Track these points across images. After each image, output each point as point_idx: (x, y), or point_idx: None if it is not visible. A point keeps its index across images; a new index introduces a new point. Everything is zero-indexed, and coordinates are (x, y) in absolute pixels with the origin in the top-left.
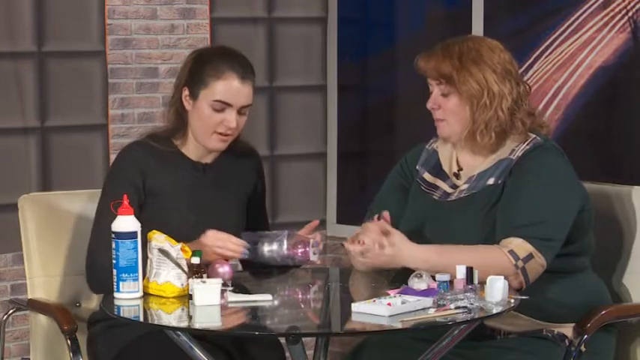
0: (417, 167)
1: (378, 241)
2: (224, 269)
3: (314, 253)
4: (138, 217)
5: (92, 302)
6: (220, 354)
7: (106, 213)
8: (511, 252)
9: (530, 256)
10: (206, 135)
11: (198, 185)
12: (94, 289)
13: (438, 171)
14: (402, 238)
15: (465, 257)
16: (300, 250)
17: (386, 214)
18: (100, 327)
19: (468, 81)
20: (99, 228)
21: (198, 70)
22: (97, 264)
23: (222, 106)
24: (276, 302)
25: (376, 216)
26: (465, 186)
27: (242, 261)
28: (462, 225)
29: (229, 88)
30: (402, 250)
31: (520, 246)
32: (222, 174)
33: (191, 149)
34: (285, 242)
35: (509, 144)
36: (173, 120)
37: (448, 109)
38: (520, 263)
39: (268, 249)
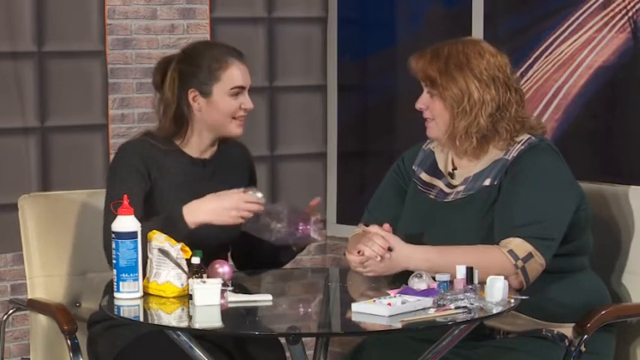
0: (414, 167)
1: (380, 253)
2: (224, 269)
3: (314, 231)
4: (143, 206)
5: (92, 302)
6: (220, 354)
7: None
8: (510, 252)
9: (529, 256)
10: (227, 123)
11: (198, 179)
12: None
13: (434, 170)
14: (398, 241)
15: (465, 257)
16: (300, 227)
17: (387, 226)
18: (101, 327)
19: (449, 86)
20: (110, 218)
21: (196, 69)
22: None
23: (239, 90)
24: (276, 302)
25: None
26: (462, 187)
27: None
28: (460, 226)
29: (238, 72)
30: (400, 252)
31: (519, 246)
32: (221, 168)
33: (192, 147)
34: (285, 219)
35: (492, 150)
36: (172, 125)
37: (434, 111)
38: (520, 263)
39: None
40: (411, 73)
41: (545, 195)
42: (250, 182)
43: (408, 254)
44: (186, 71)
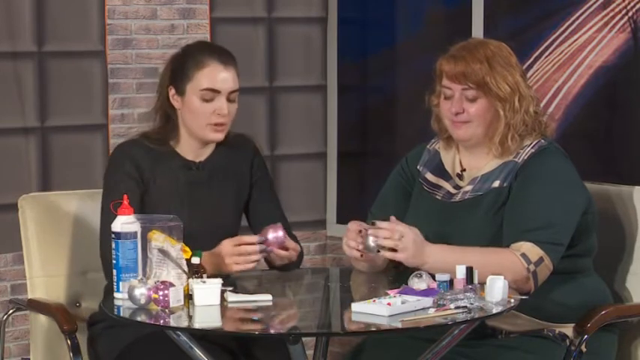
0: (419, 168)
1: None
2: (277, 234)
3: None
4: (141, 209)
5: (92, 302)
6: (222, 354)
7: (109, 211)
8: (523, 255)
9: (540, 260)
10: (201, 127)
11: (193, 183)
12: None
13: (440, 171)
14: (421, 237)
15: (481, 259)
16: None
17: (392, 218)
18: (101, 327)
19: (500, 84)
20: (106, 227)
21: (179, 67)
22: (109, 261)
23: (211, 94)
24: (276, 302)
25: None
26: (469, 187)
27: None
28: (468, 226)
29: (213, 74)
30: (424, 248)
31: (531, 250)
32: (217, 171)
33: (185, 148)
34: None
35: (521, 145)
36: (163, 123)
37: (474, 113)
38: (532, 267)
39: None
40: (439, 75)
41: (555, 199)
42: (253, 181)
43: (429, 251)
44: (172, 67)
